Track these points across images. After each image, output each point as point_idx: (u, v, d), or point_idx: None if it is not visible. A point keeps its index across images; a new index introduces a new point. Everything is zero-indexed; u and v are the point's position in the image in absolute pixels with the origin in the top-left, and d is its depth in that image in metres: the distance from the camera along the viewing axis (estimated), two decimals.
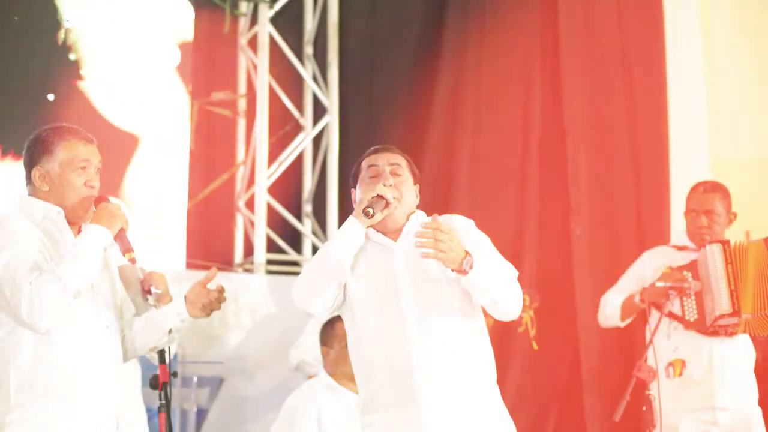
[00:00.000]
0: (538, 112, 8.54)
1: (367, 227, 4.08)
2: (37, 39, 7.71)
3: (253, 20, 8.26)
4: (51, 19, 7.69)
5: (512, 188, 8.52)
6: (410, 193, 4.20)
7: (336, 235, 4.12)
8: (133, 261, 4.03)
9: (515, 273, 4.13)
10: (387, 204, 4.07)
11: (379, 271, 4.15)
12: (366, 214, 4.00)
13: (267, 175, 8.02)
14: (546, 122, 8.56)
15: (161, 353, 4.12)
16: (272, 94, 8.17)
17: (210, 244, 8.33)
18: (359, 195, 4.13)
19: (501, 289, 4.06)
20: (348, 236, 4.05)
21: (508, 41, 8.60)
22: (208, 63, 8.38)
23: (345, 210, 7.53)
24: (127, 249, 3.99)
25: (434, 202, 7.72)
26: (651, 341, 5.66)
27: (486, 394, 4.14)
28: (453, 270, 3.96)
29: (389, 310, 4.09)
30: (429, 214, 4.08)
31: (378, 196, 4.04)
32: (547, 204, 8.48)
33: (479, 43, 8.51)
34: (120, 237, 4.00)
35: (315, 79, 8.36)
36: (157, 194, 7.92)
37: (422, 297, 4.10)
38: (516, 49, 8.59)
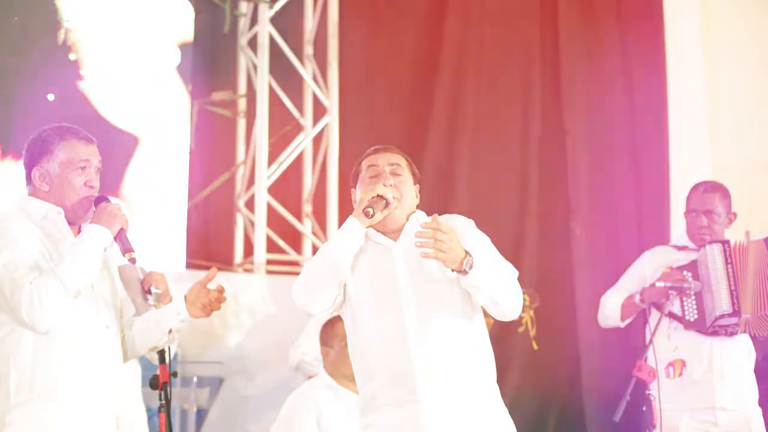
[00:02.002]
0: (538, 112, 8.62)
1: (367, 227, 4.11)
2: (37, 39, 7.69)
3: (253, 20, 8.26)
4: (51, 19, 7.67)
5: (512, 188, 8.56)
6: (410, 193, 4.21)
7: (336, 235, 4.14)
8: (133, 261, 4.05)
9: (515, 273, 4.15)
10: (387, 204, 4.08)
11: (379, 271, 4.16)
12: (366, 214, 4.02)
13: (267, 175, 8.03)
14: (546, 122, 8.63)
15: (161, 353, 4.14)
16: (272, 94, 8.18)
17: (210, 244, 8.33)
18: (359, 195, 4.14)
19: (501, 289, 4.07)
20: (348, 236, 4.07)
21: (508, 41, 8.68)
22: (208, 63, 8.39)
23: (345, 210, 7.59)
24: (127, 249, 4.01)
25: (434, 202, 7.77)
26: (651, 341, 5.67)
27: (486, 394, 4.15)
28: (453, 270, 3.97)
29: (389, 310, 4.10)
30: (429, 214, 4.10)
31: (378, 196, 4.06)
32: (547, 204, 8.53)
33: (479, 44, 8.56)
34: (120, 237, 4.02)
35: (315, 79, 8.37)
36: (157, 194, 7.93)
37: (422, 297, 4.11)
38: (516, 49, 8.67)
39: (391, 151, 4.30)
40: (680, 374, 5.89)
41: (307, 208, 8.35)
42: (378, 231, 4.16)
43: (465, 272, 3.96)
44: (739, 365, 5.91)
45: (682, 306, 5.87)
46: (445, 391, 4.07)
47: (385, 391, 4.13)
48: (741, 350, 5.92)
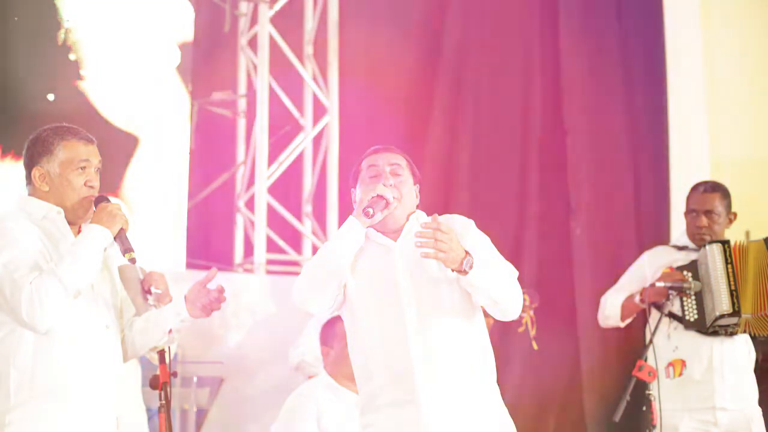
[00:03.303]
0: (538, 112, 8.66)
1: (367, 227, 4.13)
2: (37, 39, 7.69)
3: (253, 20, 8.32)
4: (51, 19, 7.68)
5: (512, 188, 8.59)
6: (410, 193, 4.24)
7: (336, 235, 4.17)
8: (133, 261, 4.09)
9: (515, 273, 4.17)
10: (387, 204, 4.10)
11: (379, 271, 4.18)
12: (366, 215, 4.05)
13: (267, 175, 8.10)
14: (546, 122, 8.66)
15: (161, 353, 4.17)
16: (272, 94, 8.24)
17: (210, 244, 8.38)
18: (359, 195, 4.17)
19: (501, 289, 4.09)
20: (348, 236, 4.10)
21: (508, 41, 8.71)
22: (208, 63, 8.42)
23: (345, 210, 7.64)
24: (127, 249, 4.05)
25: (434, 202, 7.76)
26: (651, 341, 5.67)
27: (486, 394, 4.18)
28: (453, 270, 3.99)
29: (389, 310, 4.12)
30: (429, 214, 4.12)
31: (378, 196, 4.09)
32: (547, 204, 8.55)
33: (480, 43, 8.58)
34: (120, 237, 4.06)
35: (315, 79, 8.43)
36: (157, 194, 7.98)
37: (422, 297, 4.13)
38: (516, 49, 8.71)
39: (391, 151, 4.32)
40: (680, 374, 5.91)
41: (307, 208, 8.40)
42: (378, 231, 4.18)
43: (465, 272, 3.97)
44: (739, 365, 5.94)
45: (682, 306, 5.89)
46: (445, 392, 4.08)
47: (385, 391, 4.14)
48: (741, 350, 5.95)
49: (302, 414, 5.81)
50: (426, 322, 4.13)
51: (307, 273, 4.22)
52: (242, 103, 8.47)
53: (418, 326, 4.12)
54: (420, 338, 4.10)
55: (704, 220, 6.00)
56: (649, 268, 6.14)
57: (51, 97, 7.56)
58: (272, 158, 8.25)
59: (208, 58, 8.43)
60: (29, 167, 4.07)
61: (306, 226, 8.39)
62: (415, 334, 4.11)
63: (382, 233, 4.19)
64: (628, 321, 6.15)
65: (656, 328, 5.72)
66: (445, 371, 4.10)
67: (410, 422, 4.07)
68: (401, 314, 4.13)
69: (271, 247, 8.20)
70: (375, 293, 4.19)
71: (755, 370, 6.16)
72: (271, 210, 8.17)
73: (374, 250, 4.21)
